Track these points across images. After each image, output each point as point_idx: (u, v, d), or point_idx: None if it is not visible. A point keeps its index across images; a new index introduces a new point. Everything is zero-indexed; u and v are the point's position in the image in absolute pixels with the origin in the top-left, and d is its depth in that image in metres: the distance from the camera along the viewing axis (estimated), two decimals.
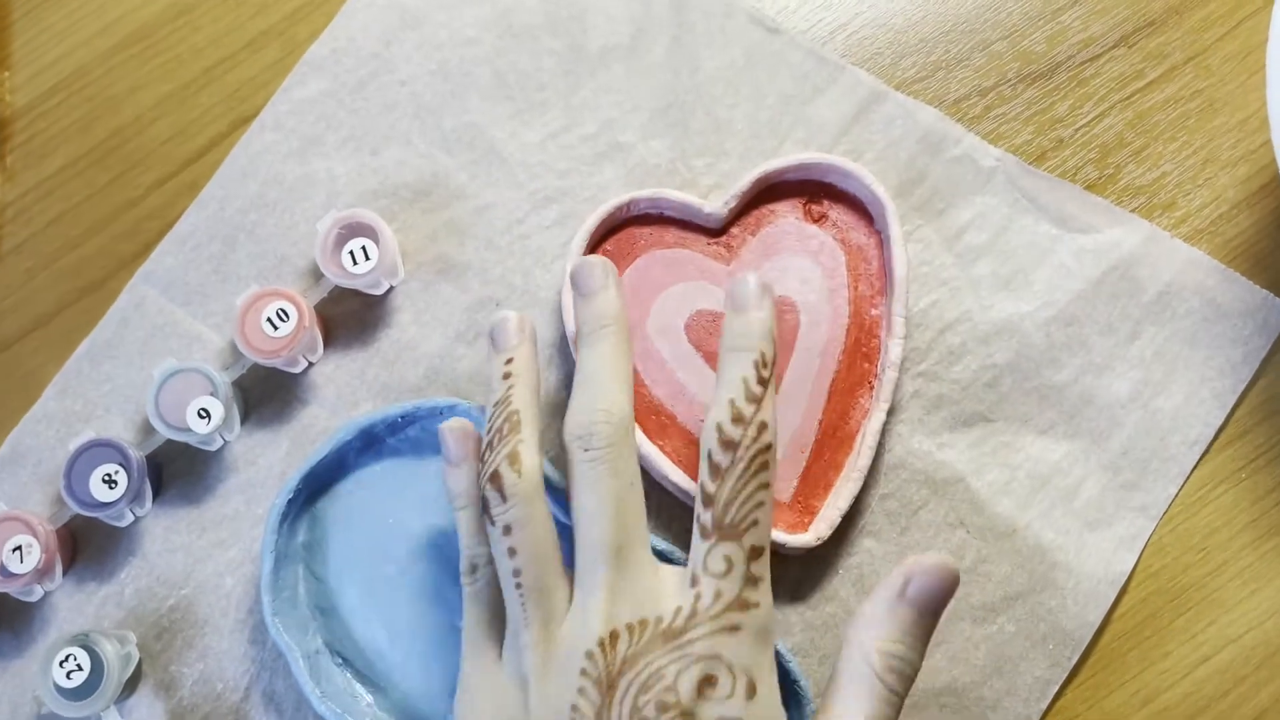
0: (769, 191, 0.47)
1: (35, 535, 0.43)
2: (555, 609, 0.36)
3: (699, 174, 0.48)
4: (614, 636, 0.35)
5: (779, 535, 0.42)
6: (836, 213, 0.46)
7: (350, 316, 0.47)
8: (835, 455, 0.44)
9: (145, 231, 0.49)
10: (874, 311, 0.45)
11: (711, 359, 0.45)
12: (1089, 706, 0.42)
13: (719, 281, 0.46)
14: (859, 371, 0.44)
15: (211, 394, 0.44)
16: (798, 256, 0.46)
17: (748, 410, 0.36)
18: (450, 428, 0.40)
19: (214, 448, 0.46)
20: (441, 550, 0.44)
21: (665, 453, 0.44)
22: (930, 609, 0.35)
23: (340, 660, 0.43)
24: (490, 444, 0.38)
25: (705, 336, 0.45)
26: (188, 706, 0.44)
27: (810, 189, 0.46)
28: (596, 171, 0.48)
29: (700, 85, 0.48)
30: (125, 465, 0.44)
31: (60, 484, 0.44)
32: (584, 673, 0.35)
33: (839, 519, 0.42)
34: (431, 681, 0.43)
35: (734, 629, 0.35)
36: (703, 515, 0.36)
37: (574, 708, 0.34)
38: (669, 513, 0.44)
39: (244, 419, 0.46)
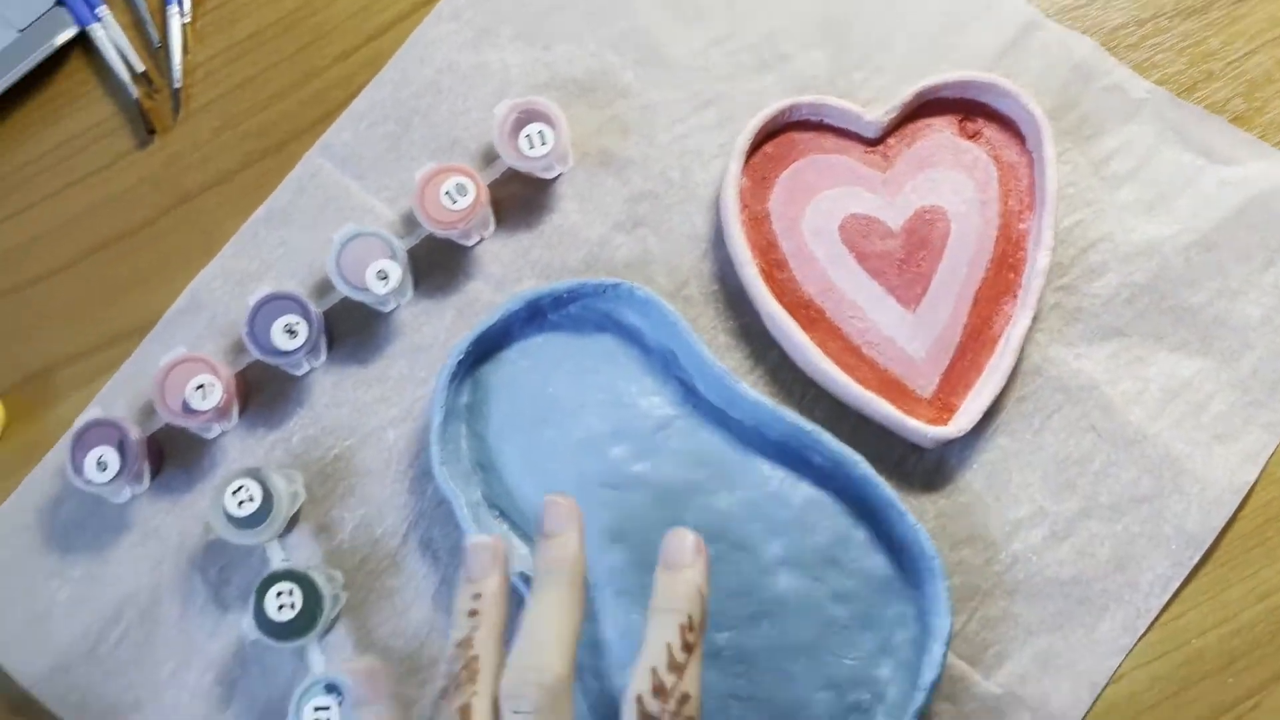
0: (925, 107, 0.49)
1: (217, 376, 0.47)
2: None
3: (856, 86, 0.50)
4: None
5: (920, 426, 0.45)
6: (990, 131, 0.49)
7: (516, 199, 0.50)
8: (977, 357, 0.47)
9: (327, 100, 0.52)
10: (1021, 225, 0.48)
11: (864, 259, 0.48)
12: (1208, 598, 0.45)
13: (875, 189, 0.48)
14: (1004, 281, 0.47)
15: (390, 258, 0.47)
16: (951, 169, 0.48)
17: (669, 680, 0.36)
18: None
19: (387, 309, 0.49)
20: (595, 419, 0.47)
21: (815, 343, 0.46)
22: None
23: (497, 513, 0.46)
24: (446, 690, 0.37)
25: (858, 238, 0.48)
26: (347, 549, 0.47)
27: (966, 107, 0.49)
28: (756, 78, 0.51)
29: (862, 2, 0.51)
30: (305, 317, 0.47)
31: (243, 331, 0.47)
32: None
33: (980, 415, 0.45)
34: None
35: None
36: None
37: None
38: (813, 401, 0.47)
39: (413, 288, 0.50)
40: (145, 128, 0.52)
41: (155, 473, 0.48)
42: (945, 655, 0.43)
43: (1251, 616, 0.45)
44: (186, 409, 0.47)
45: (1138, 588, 0.45)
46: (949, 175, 0.48)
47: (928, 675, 0.43)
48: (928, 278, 0.47)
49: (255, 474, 0.46)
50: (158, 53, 0.53)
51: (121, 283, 0.51)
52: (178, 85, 0.52)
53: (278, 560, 0.46)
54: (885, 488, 0.44)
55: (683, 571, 0.38)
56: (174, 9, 0.52)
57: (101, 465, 0.46)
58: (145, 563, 0.48)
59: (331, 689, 0.44)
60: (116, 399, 0.49)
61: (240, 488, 0.45)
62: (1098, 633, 0.45)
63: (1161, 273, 0.48)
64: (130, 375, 0.49)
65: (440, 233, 0.48)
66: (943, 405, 0.46)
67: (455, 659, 0.37)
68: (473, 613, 0.38)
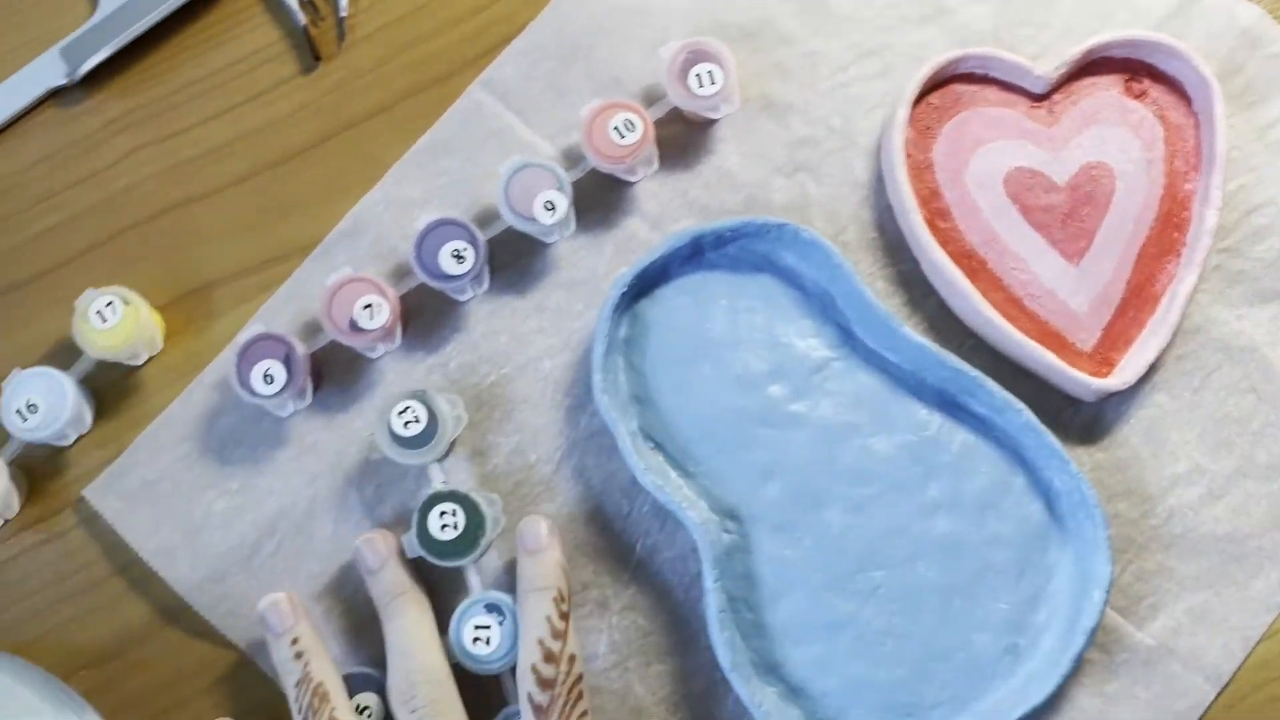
0: (1092, 65, 0.50)
1: (384, 296, 0.48)
2: None
3: (1020, 42, 0.51)
4: None
5: (1083, 377, 0.46)
6: (1157, 92, 0.49)
7: (677, 140, 0.51)
8: (1139, 314, 0.47)
9: (489, 36, 0.53)
10: (1187, 186, 0.48)
11: (1028, 212, 0.48)
12: None
13: (1040, 143, 0.49)
14: (1168, 240, 0.48)
15: (557, 190, 0.48)
16: (1117, 127, 0.49)
17: (555, 646, 0.41)
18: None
19: (550, 240, 0.50)
20: (753, 357, 0.47)
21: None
22: None
23: (652, 444, 0.47)
24: None
25: (1022, 191, 0.48)
26: (501, 473, 0.48)
27: (1132, 67, 0.50)
28: (919, 30, 0.51)
29: None
30: (473, 244, 0.48)
31: (411, 254, 0.48)
32: None
33: (1144, 369, 0.46)
34: (735, 472, 0.46)
35: None
36: None
37: None
38: (971, 351, 0.48)
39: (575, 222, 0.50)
40: (311, 54, 0.53)
41: (315, 390, 0.49)
42: (1105, 602, 0.43)
43: None
44: (354, 327, 0.47)
45: None
46: (1115, 133, 0.49)
47: (1087, 620, 0.43)
48: (1092, 233, 0.48)
49: (421, 396, 0.47)
50: None
51: (283, 204, 0.52)
52: (344, 14, 0.53)
53: (438, 481, 0.47)
54: (1048, 435, 0.45)
55: (543, 553, 0.43)
56: None
57: (268, 379, 0.47)
58: (301, 477, 0.49)
59: (491, 608, 0.45)
60: (277, 316, 0.50)
61: (407, 409, 0.46)
62: (1251, 590, 0.45)
63: None
64: (291, 293, 0.50)
65: (605, 167, 0.49)
66: (1102, 360, 0.47)
67: (301, 695, 0.42)
68: (298, 655, 0.43)
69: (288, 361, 0.47)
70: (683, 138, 0.51)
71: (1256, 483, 0.46)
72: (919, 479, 0.46)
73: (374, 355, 0.49)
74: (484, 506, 0.46)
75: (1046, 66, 0.49)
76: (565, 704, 0.41)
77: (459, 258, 0.48)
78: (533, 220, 0.48)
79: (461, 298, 0.49)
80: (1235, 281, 0.48)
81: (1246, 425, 0.47)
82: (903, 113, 0.49)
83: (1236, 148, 0.49)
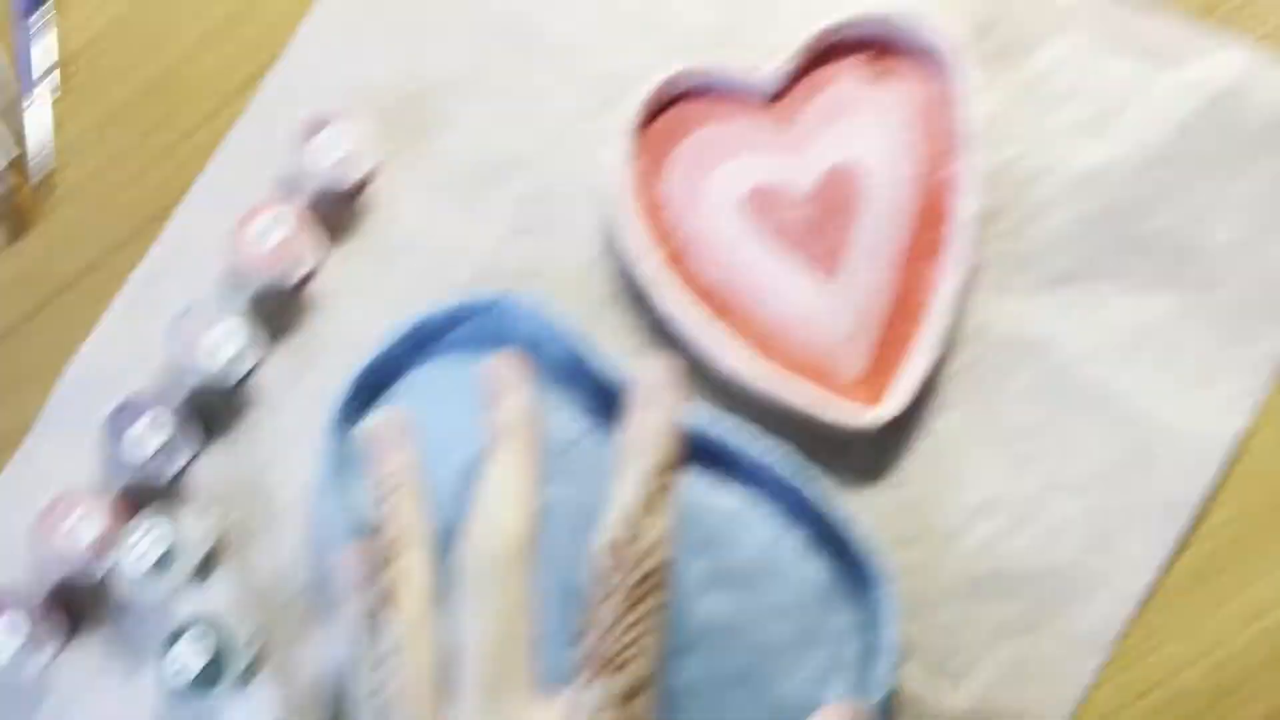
0: (829, 53, 0.46)
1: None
2: None
3: (751, 43, 0.47)
4: None
5: (846, 411, 0.43)
6: (904, 68, 0.46)
7: (384, 225, 0.49)
8: (906, 328, 0.44)
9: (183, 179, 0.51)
10: (943, 174, 0.45)
11: (773, 233, 0.45)
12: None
13: (777, 154, 0.46)
14: (931, 238, 0.44)
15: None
16: (863, 118, 0.46)
17: (641, 524, 0.36)
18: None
19: (242, 374, 0.48)
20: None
21: (723, 335, 0.44)
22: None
23: None
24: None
25: (765, 211, 0.45)
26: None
27: (873, 45, 0.46)
28: (641, 48, 0.48)
29: None
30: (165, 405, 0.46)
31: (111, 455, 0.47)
32: None
33: (914, 392, 0.42)
34: None
35: None
36: (584, 643, 0.36)
37: None
38: (732, 396, 0.45)
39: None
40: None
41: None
42: (894, 671, 0.40)
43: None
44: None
45: (1118, 571, 0.41)
46: (860, 126, 0.46)
47: (874, 694, 0.40)
48: (845, 246, 0.45)
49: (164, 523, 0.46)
50: None
51: None
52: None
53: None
54: (813, 485, 0.42)
55: (653, 410, 0.38)
56: None
57: None
58: None
59: None
60: None
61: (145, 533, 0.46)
62: (1076, 628, 0.42)
63: (1114, 201, 0.44)
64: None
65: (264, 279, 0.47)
66: (873, 385, 0.44)
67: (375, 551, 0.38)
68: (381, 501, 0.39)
69: None
70: (396, 218, 0.49)
71: (1066, 500, 0.42)
72: (682, 558, 0.43)
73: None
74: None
75: (771, 65, 0.46)
76: (631, 594, 0.36)
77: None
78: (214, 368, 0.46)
79: (173, 469, 0.48)
80: (1020, 268, 0.44)
81: (1045, 434, 0.43)
82: (624, 147, 0.46)
83: (1003, 114, 0.45)
